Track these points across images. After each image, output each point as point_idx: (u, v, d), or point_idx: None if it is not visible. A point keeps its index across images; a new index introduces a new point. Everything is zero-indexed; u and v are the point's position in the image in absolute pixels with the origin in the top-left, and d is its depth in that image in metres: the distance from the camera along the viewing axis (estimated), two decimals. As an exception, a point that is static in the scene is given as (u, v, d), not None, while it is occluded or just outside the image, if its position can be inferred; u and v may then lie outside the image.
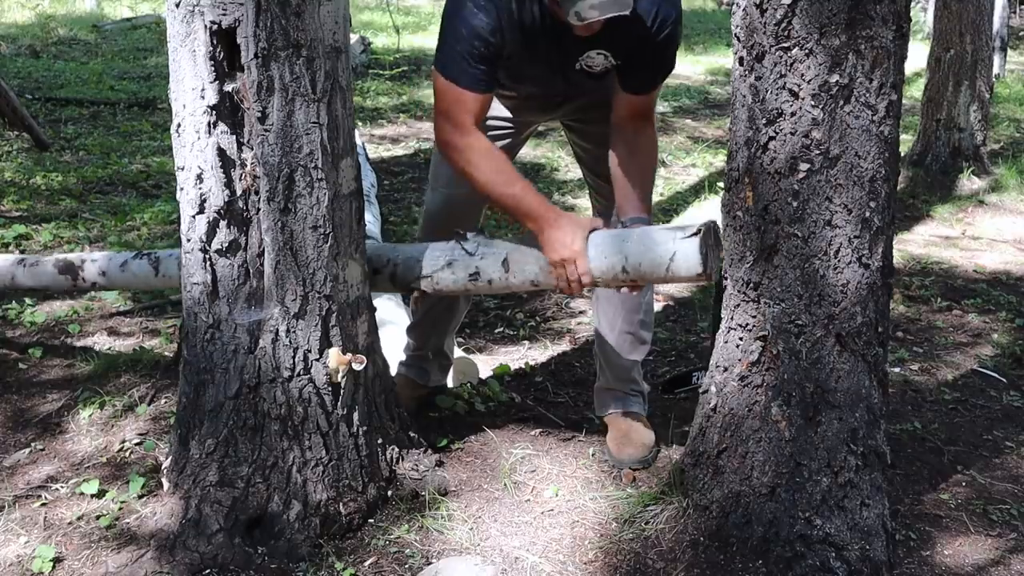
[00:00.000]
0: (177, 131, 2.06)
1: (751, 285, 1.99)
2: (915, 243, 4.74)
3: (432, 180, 2.59)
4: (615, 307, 2.59)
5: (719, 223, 2.02)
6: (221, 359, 2.10)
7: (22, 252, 4.03)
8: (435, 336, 2.73)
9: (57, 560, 2.04)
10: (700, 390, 2.21)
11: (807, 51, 1.83)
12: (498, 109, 2.48)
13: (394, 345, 2.81)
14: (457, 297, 2.70)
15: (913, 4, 11.78)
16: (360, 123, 6.80)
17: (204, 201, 2.04)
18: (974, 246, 4.73)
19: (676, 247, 1.96)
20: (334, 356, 2.09)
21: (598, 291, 2.61)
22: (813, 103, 1.85)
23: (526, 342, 3.30)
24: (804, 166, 1.88)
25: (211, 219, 2.05)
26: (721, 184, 2.09)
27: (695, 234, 1.94)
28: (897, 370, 3.11)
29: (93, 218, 4.50)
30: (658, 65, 2.26)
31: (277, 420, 2.09)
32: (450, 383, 2.85)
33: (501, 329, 3.45)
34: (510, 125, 2.51)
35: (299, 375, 2.09)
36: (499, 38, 2.12)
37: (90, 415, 2.63)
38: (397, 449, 2.28)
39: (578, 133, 2.57)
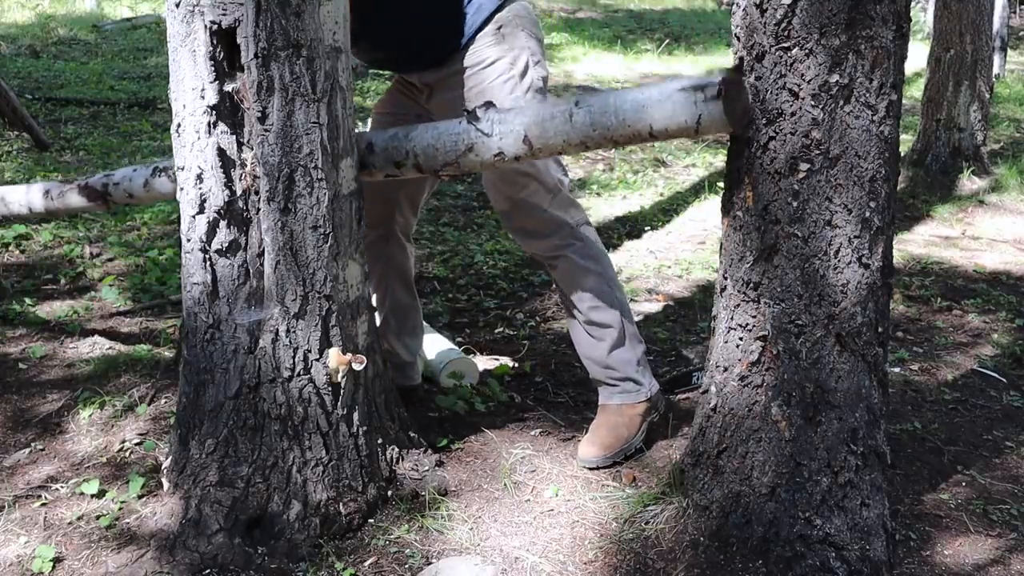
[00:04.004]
0: (177, 131, 2.06)
1: (751, 285, 1.99)
2: (915, 243, 4.74)
3: None
4: (566, 298, 2.56)
5: (739, 69, 1.92)
6: (221, 359, 2.10)
7: (22, 252, 4.03)
8: (405, 335, 2.81)
9: (57, 560, 2.04)
10: (700, 390, 2.21)
11: (807, 51, 1.83)
12: None
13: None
14: (413, 302, 2.83)
15: (913, 4, 11.78)
16: (360, 123, 6.80)
17: (204, 201, 2.04)
18: (974, 246, 4.73)
19: (700, 110, 1.89)
20: (334, 356, 2.09)
21: (555, 285, 2.59)
22: (813, 103, 1.85)
23: (526, 342, 3.30)
24: (804, 166, 1.88)
25: (211, 219, 2.05)
26: (721, 184, 2.08)
27: (717, 96, 1.87)
28: (897, 370, 3.11)
29: (93, 218, 4.50)
30: None
31: (277, 420, 2.09)
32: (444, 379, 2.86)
33: (501, 329, 3.45)
34: None
35: (299, 375, 2.09)
36: None
37: (90, 415, 2.63)
38: (397, 449, 2.28)
39: None
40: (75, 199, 2.70)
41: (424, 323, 2.97)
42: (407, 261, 2.79)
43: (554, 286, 2.61)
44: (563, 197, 2.49)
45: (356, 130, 2.20)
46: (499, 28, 2.40)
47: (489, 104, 2.11)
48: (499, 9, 2.41)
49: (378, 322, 2.75)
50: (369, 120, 2.86)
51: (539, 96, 2.44)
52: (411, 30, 2.40)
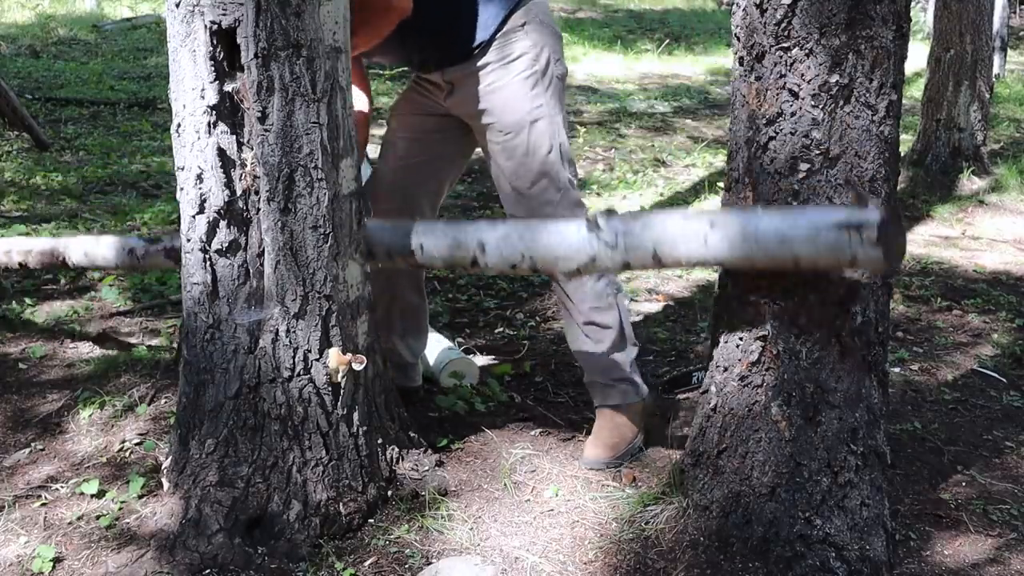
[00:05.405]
0: (177, 131, 2.06)
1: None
2: (915, 243, 4.73)
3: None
4: (567, 298, 2.55)
5: (894, 207, 1.79)
6: (221, 359, 2.10)
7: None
8: (409, 337, 2.82)
9: (57, 560, 2.04)
10: (700, 390, 2.21)
11: (807, 51, 1.83)
12: None
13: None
14: (421, 303, 2.83)
15: (913, 4, 11.78)
16: (360, 123, 6.77)
17: (204, 201, 2.04)
18: (974, 246, 4.73)
19: (855, 251, 1.74)
20: (334, 356, 2.09)
21: (555, 284, 2.58)
22: (813, 103, 1.85)
23: (526, 342, 3.30)
24: (804, 166, 1.88)
25: (211, 219, 2.05)
26: (721, 184, 2.08)
27: (876, 241, 1.71)
28: (897, 370, 3.11)
29: (93, 218, 4.50)
30: None
31: (277, 420, 2.09)
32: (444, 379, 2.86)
33: (501, 329, 3.45)
34: None
35: (299, 375, 2.09)
36: None
37: (90, 415, 2.63)
38: (397, 449, 2.28)
39: None
40: (160, 261, 2.63)
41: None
42: None
43: (553, 285, 2.61)
44: (572, 196, 2.49)
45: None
46: (523, 24, 2.43)
47: (610, 212, 2.03)
48: (519, 6, 2.43)
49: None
50: (384, 125, 2.87)
51: (558, 94, 2.46)
52: (434, 27, 2.42)
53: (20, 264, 2.97)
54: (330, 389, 2.12)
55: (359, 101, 2.50)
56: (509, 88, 2.41)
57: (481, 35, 2.41)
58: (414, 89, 2.64)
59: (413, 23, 2.38)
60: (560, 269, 2.10)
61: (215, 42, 1.96)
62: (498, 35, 2.41)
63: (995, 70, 7.44)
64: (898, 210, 1.78)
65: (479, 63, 2.43)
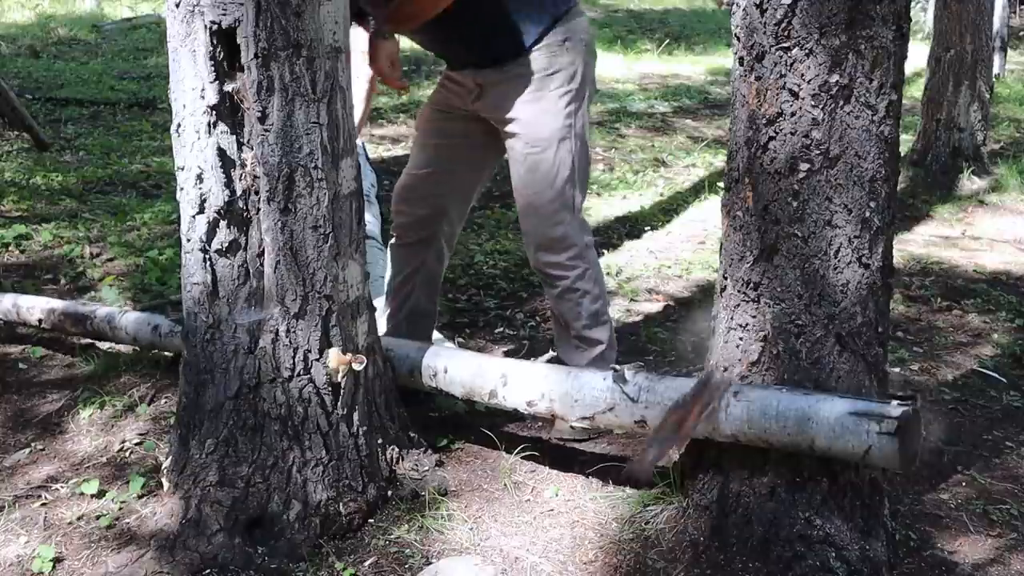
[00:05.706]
0: (177, 131, 2.06)
1: (751, 285, 1.99)
2: (915, 243, 4.74)
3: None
4: (560, 316, 2.62)
5: (919, 405, 1.81)
6: (221, 359, 2.10)
7: (22, 252, 4.03)
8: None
9: (57, 560, 2.05)
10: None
11: (807, 51, 1.83)
12: None
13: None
14: (432, 309, 2.82)
15: (913, 4, 11.77)
16: (367, 122, 6.76)
17: (204, 201, 2.05)
18: (974, 246, 4.73)
19: (871, 441, 1.79)
20: (334, 356, 2.09)
21: (549, 303, 2.65)
22: (813, 103, 1.85)
23: (526, 342, 3.30)
24: (804, 166, 1.88)
25: (211, 219, 2.05)
26: (721, 184, 2.09)
27: (894, 432, 1.76)
28: (897, 370, 3.11)
29: (93, 218, 4.50)
30: None
31: (277, 420, 2.09)
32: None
33: (501, 329, 3.45)
34: None
35: (299, 375, 2.09)
36: None
37: (90, 415, 2.63)
38: (397, 449, 2.28)
39: None
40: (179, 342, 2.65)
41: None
42: (439, 270, 2.80)
43: (547, 303, 2.65)
44: (580, 218, 2.55)
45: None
46: (564, 40, 2.43)
47: (639, 367, 2.08)
48: (562, 19, 2.44)
49: (384, 323, 2.75)
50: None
51: (587, 114, 2.49)
52: (474, 28, 2.42)
53: (39, 320, 2.98)
54: (330, 389, 2.12)
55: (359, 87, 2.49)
56: (543, 102, 2.41)
57: (520, 42, 2.40)
58: (440, 89, 2.64)
59: (455, 19, 2.38)
60: (576, 414, 2.14)
61: (215, 42, 1.96)
62: (537, 46, 2.41)
63: (995, 70, 7.44)
64: (919, 415, 1.80)
65: (514, 71, 2.43)
